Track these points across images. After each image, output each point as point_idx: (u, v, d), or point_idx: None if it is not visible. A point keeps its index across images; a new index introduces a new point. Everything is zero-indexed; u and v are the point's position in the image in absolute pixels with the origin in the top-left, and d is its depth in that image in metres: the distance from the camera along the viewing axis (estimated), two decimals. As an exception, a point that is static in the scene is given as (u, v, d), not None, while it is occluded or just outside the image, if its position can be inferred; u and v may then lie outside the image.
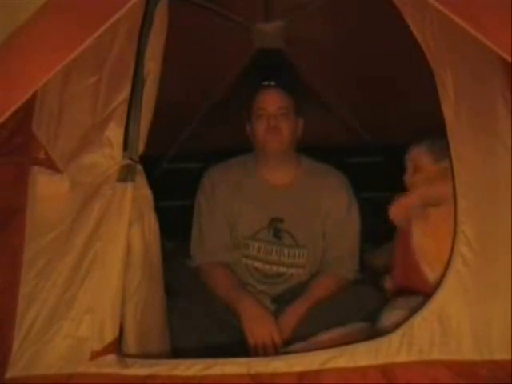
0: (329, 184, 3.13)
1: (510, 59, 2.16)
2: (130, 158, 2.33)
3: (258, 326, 2.73)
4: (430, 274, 2.69)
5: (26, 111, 2.30)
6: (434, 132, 2.72)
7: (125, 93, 2.33)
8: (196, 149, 4.53)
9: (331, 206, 3.09)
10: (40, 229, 2.26)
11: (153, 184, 2.42)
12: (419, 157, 2.82)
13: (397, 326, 2.22)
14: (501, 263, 2.18)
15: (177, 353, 2.58)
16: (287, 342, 2.73)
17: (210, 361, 2.16)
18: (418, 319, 2.17)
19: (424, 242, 2.78)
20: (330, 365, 2.12)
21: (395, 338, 2.15)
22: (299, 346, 2.57)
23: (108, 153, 2.31)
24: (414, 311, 2.23)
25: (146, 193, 2.40)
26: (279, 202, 3.09)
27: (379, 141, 4.60)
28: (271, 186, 3.11)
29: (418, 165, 2.80)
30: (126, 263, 2.27)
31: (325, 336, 2.58)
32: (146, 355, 2.33)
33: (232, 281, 2.96)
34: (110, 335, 2.19)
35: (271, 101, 3.02)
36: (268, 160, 3.08)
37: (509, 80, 2.29)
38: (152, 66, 2.41)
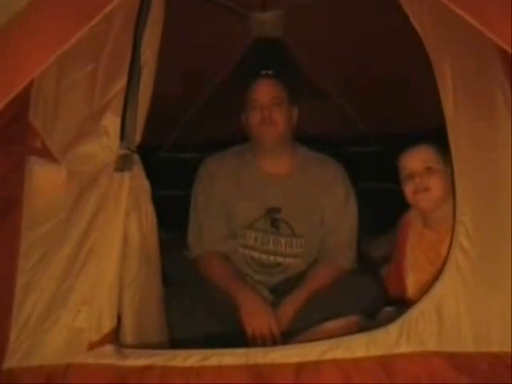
0: (326, 173, 3.12)
1: (509, 50, 2.16)
2: (127, 148, 2.32)
3: (256, 317, 2.73)
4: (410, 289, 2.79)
5: (23, 101, 2.29)
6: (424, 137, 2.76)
7: (122, 82, 2.32)
8: (193, 138, 4.52)
9: (328, 196, 3.09)
10: (37, 219, 2.25)
11: (150, 174, 2.41)
12: (411, 162, 2.80)
13: (394, 318, 2.21)
14: (500, 255, 2.18)
15: (175, 343, 2.57)
16: (285, 333, 2.73)
17: (207, 352, 2.15)
18: (416, 310, 2.17)
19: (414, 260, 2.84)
20: (328, 356, 2.12)
21: (394, 329, 2.15)
22: (298, 339, 2.57)
23: (105, 143, 2.30)
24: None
25: (143, 183, 2.38)
26: (276, 191, 3.08)
27: (378, 131, 4.60)
28: (268, 176, 3.10)
29: (409, 173, 2.78)
30: (123, 254, 2.26)
31: (322, 327, 2.58)
32: (143, 345, 2.32)
33: (230, 271, 2.96)
34: (107, 326, 2.19)
35: (264, 91, 3.01)
36: (264, 150, 3.08)
37: (508, 71, 2.29)
38: (149, 55, 2.39)
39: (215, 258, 3.00)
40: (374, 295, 2.79)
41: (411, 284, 2.80)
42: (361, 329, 2.36)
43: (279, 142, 3.02)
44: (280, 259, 3.08)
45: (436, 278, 2.22)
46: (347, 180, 3.15)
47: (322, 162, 3.16)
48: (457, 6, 2.24)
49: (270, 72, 3.06)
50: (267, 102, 2.99)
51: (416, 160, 2.75)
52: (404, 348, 2.12)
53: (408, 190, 2.76)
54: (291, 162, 3.13)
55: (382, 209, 3.45)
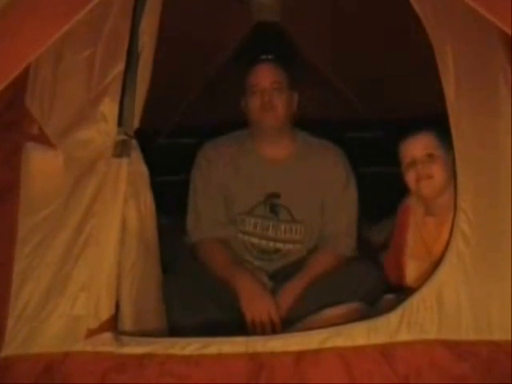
0: (326, 158, 3.09)
1: (510, 32, 2.15)
2: (125, 134, 2.30)
3: (256, 303, 2.71)
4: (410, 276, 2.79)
5: (20, 86, 2.27)
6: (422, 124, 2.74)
7: (119, 67, 2.30)
8: (192, 123, 4.51)
9: (328, 181, 3.06)
10: (34, 205, 2.24)
11: (148, 159, 2.39)
12: (412, 149, 2.76)
13: (395, 306, 2.20)
14: (501, 241, 2.17)
15: (174, 330, 2.56)
16: (285, 320, 2.72)
17: (207, 340, 2.15)
18: (417, 298, 2.16)
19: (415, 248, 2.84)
20: (329, 344, 2.12)
21: (394, 317, 2.14)
22: (297, 327, 2.56)
23: (103, 128, 2.28)
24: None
25: (142, 168, 2.37)
26: (275, 177, 3.06)
27: (378, 115, 4.58)
28: (267, 161, 3.08)
29: (411, 161, 2.75)
30: (121, 240, 2.25)
31: (323, 315, 2.57)
32: (142, 333, 2.31)
33: (228, 257, 2.94)
34: (105, 313, 2.18)
35: (264, 75, 2.98)
36: (263, 135, 3.05)
37: (509, 54, 2.27)
38: (147, 40, 2.38)
39: (214, 244, 2.99)
40: (375, 282, 2.77)
41: (411, 271, 2.79)
42: (361, 316, 2.35)
43: (279, 127, 3.00)
44: (279, 245, 3.07)
45: (437, 265, 2.22)
46: (348, 165, 3.12)
47: (322, 147, 3.14)
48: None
49: (269, 56, 3.03)
50: (267, 86, 2.96)
51: (417, 147, 2.73)
52: (405, 336, 2.12)
53: (410, 177, 2.74)
54: (291, 147, 3.11)
55: (383, 194, 3.43)
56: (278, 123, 2.98)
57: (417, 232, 2.84)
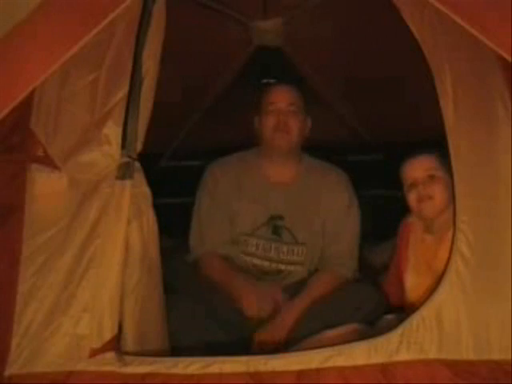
0: (329, 182, 3.12)
1: (509, 58, 2.16)
2: (129, 156, 2.32)
3: (258, 291, 2.79)
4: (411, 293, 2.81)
5: (25, 109, 2.29)
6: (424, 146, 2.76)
7: (123, 91, 2.32)
8: (195, 147, 4.53)
9: (331, 204, 3.09)
10: (38, 226, 2.26)
11: (151, 182, 2.41)
12: (413, 171, 2.80)
13: (395, 326, 2.21)
14: (500, 262, 2.18)
15: (177, 351, 2.57)
16: (286, 340, 2.72)
17: (209, 359, 2.15)
18: (416, 318, 2.17)
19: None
20: (329, 363, 2.12)
21: (394, 337, 2.15)
22: (298, 348, 2.56)
23: (106, 151, 2.30)
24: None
25: (145, 191, 2.38)
26: (279, 199, 3.08)
27: (379, 139, 4.60)
28: (272, 183, 3.10)
29: (412, 182, 2.78)
30: (124, 261, 2.26)
31: (323, 335, 2.57)
32: (144, 353, 2.31)
33: (230, 267, 2.97)
34: (108, 333, 2.19)
35: (282, 96, 3.02)
36: (272, 156, 3.07)
37: (508, 79, 2.29)
38: (150, 64, 2.39)
39: (216, 257, 3.01)
40: (375, 303, 2.78)
41: (412, 286, 2.81)
42: (361, 337, 2.36)
43: (290, 149, 3.02)
44: (281, 266, 3.08)
45: (436, 284, 2.23)
46: (350, 188, 3.15)
47: (325, 170, 3.17)
48: (456, 14, 2.25)
49: (272, 81, 3.06)
50: (284, 107, 2.99)
51: (418, 168, 2.76)
52: (405, 356, 2.12)
53: (411, 198, 2.77)
54: (295, 169, 3.14)
55: (383, 217, 3.45)
56: (290, 146, 3.01)
57: (417, 248, 2.86)
